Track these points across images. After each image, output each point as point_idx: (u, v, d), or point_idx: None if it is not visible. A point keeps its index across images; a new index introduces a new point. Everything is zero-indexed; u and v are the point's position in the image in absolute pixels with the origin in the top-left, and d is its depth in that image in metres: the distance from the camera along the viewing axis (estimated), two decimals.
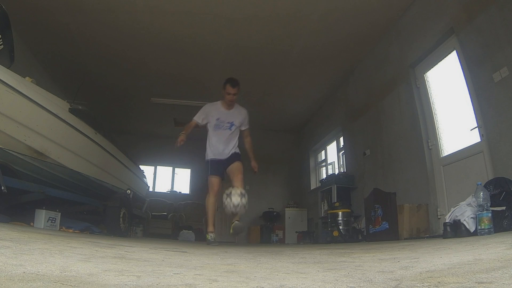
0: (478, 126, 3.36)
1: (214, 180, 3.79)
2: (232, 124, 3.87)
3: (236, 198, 3.26)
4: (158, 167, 9.94)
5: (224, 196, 3.35)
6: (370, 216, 4.54)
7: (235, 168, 3.74)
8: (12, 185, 2.90)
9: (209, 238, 3.64)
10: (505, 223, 2.46)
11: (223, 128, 3.85)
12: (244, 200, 3.29)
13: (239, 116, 3.94)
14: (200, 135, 4.24)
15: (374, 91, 5.46)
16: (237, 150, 3.92)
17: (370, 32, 5.08)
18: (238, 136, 3.98)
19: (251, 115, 4.16)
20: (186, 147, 4.17)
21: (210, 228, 3.74)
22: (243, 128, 4.02)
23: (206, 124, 3.93)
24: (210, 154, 3.86)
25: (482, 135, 3.31)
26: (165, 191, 9.70)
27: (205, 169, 3.87)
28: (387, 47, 5.07)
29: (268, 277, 0.99)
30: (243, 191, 3.37)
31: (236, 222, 3.61)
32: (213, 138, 3.87)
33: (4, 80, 2.68)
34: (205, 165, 3.90)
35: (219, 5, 4.58)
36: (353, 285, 0.81)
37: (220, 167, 3.81)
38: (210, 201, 3.76)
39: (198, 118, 3.90)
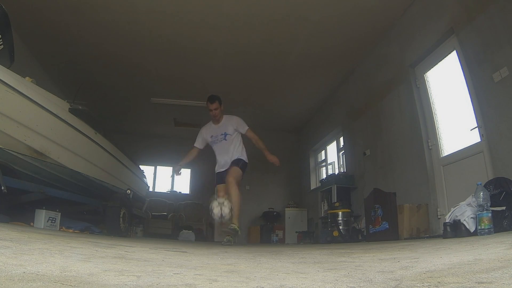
0: (478, 126, 3.36)
1: (219, 187, 4.11)
2: (225, 134, 4.10)
3: (216, 210, 3.47)
4: (158, 167, 9.93)
5: (210, 208, 3.55)
6: (370, 216, 4.54)
7: (229, 171, 3.90)
8: (12, 185, 2.89)
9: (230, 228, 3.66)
10: (505, 223, 2.46)
11: (219, 141, 4.13)
12: (225, 209, 3.46)
13: (229, 125, 4.14)
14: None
15: (374, 91, 5.46)
16: (239, 156, 4.05)
17: (370, 32, 5.08)
18: (239, 142, 4.15)
19: (251, 116, 4.19)
20: (186, 148, 4.19)
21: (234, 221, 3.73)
22: (242, 132, 4.16)
23: (210, 144, 4.22)
24: (217, 167, 4.20)
25: (482, 135, 3.31)
26: (165, 191, 9.69)
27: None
28: (387, 47, 5.07)
29: (268, 277, 0.99)
30: (221, 200, 3.53)
31: (232, 225, 3.64)
32: (216, 153, 4.19)
33: (4, 80, 2.68)
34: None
35: (219, 7, 4.58)
36: (353, 285, 0.81)
37: (223, 177, 4.04)
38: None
39: (197, 143, 4.26)
